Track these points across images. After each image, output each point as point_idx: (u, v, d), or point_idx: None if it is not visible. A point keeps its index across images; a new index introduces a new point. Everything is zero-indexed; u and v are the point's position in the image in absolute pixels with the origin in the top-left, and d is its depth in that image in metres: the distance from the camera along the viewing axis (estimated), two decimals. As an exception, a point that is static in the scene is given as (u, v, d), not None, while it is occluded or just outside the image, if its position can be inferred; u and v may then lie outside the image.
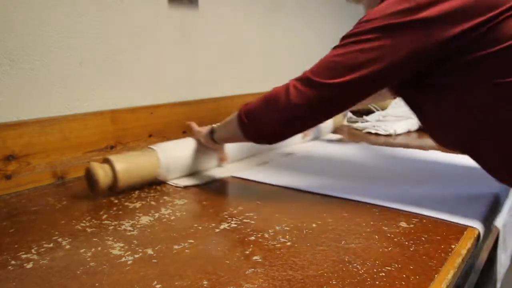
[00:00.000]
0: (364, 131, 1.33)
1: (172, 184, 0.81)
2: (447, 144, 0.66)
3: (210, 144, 0.82)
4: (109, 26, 0.92)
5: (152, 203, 0.71)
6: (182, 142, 0.85)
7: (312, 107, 0.61)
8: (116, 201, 0.72)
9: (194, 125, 0.88)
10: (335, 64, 0.59)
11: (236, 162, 0.94)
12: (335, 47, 0.60)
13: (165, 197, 0.73)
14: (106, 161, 0.74)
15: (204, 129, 0.83)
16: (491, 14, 0.53)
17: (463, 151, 0.65)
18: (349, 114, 1.50)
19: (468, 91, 0.57)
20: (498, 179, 0.64)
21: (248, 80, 1.35)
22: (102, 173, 0.71)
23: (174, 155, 0.81)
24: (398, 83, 0.63)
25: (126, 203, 0.71)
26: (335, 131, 1.30)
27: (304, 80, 0.61)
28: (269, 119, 0.64)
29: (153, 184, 0.81)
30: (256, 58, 1.38)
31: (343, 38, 0.60)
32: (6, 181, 0.76)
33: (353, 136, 1.28)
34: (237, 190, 0.77)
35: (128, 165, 0.74)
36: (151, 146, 0.81)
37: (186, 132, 1.09)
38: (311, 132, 1.10)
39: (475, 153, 0.63)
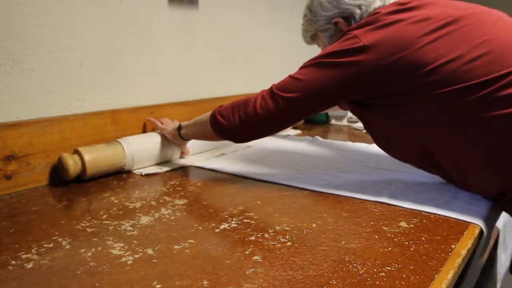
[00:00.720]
0: (363, 131, 1.33)
1: (136, 173, 0.89)
2: (397, 157, 0.76)
3: (176, 139, 0.93)
4: (109, 26, 0.92)
5: (152, 203, 0.71)
6: (146, 136, 0.94)
7: (270, 116, 0.72)
8: (116, 201, 0.72)
9: (158, 122, 0.96)
10: (292, 81, 0.71)
11: (197, 154, 1.03)
12: (300, 67, 0.72)
13: (165, 197, 0.73)
14: (76, 152, 0.82)
15: (170, 126, 0.93)
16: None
17: (413, 164, 0.74)
18: (349, 114, 1.50)
19: (406, 111, 0.66)
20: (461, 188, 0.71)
21: (248, 80, 1.35)
22: (72, 162, 0.79)
23: (138, 147, 0.90)
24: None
25: (126, 203, 0.71)
26: (295, 127, 1.39)
27: (269, 91, 0.73)
28: (235, 121, 0.75)
29: (153, 184, 0.81)
30: (256, 58, 1.38)
31: (307, 61, 0.72)
32: (6, 181, 0.76)
33: (353, 136, 1.28)
34: (237, 190, 0.77)
35: (96, 155, 0.82)
36: (118, 139, 0.89)
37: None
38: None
39: (424, 166, 0.72)
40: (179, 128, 0.90)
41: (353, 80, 0.66)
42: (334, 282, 0.45)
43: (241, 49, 1.32)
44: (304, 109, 0.72)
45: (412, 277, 0.45)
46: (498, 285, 0.99)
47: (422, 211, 0.64)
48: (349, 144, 1.14)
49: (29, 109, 0.81)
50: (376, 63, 0.63)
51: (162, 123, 0.96)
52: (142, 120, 1.00)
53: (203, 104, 1.16)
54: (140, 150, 0.90)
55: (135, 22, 0.98)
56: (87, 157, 0.81)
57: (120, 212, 0.67)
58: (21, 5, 0.77)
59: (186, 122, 0.90)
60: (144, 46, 1.01)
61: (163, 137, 0.94)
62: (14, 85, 0.78)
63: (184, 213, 0.66)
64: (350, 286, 0.44)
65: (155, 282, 0.46)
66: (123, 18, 0.95)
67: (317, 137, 1.21)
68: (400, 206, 0.66)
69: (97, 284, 0.46)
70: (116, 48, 0.95)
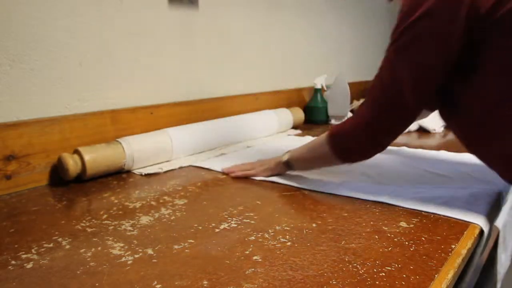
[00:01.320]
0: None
1: (136, 173, 0.89)
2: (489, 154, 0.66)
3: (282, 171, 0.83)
4: (109, 26, 0.92)
5: (152, 203, 0.71)
6: (147, 135, 0.93)
7: None
8: (116, 201, 0.72)
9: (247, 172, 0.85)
10: None
11: (197, 154, 1.03)
12: None
13: (165, 197, 0.73)
14: (76, 152, 0.82)
15: (273, 162, 0.83)
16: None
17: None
18: (349, 114, 1.50)
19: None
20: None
21: (248, 80, 1.35)
22: (72, 162, 0.79)
23: (138, 147, 0.89)
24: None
25: (126, 203, 0.71)
26: (295, 127, 1.39)
27: None
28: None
29: (154, 184, 0.81)
30: (256, 58, 1.38)
31: None
32: (6, 181, 0.76)
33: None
34: (237, 190, 0.77)
35: (95, 155, 0.82)
36: (118, 139, 0.88)
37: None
38: None
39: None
40: (288, 164, 0.81)
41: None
42: (334, 282, 0.45)
43: (241, 49, 1.32)
44: None
45: (412, 277, 0.45)
46: (498, 285, 0.98)
47: (422, 211, 0.64)
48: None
49: (29, 109, 0.81)
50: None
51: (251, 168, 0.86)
52: (142, 120, 1.00)
53: (203, 104, 1.16)
54: (140, 150, 0.89)
55: (135, 22, 0.98)
56: (87, 157, 0.81)
57: (120, 212, 0.67)
58: (21, 5, 0.77)
59: (292, 155, 0.80)
60: (144, 46, 1.01)
61: (163, 137, 0.94)
62: (14, 85, 0.78)
63: (184, 213, 0.66)
64: (350, 286, 0.44)
65: (155, 282, 0.46)
66: (123, 18, 0.95)
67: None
68: (400, 206, 0.66)
69: (97, 284, 0.46)
70: (116, 48, 0.95)
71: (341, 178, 0.80)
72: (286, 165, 0.81)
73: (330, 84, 1.50)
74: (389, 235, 0.56)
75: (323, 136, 0.74)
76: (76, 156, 0.81)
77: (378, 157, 0.96)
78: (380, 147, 0.70)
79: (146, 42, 1.01)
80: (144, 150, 0.90)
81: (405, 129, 0.68)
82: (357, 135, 0.69)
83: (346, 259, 0.50)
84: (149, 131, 1.00)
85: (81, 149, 0.82)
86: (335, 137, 0.72)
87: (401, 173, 0.84)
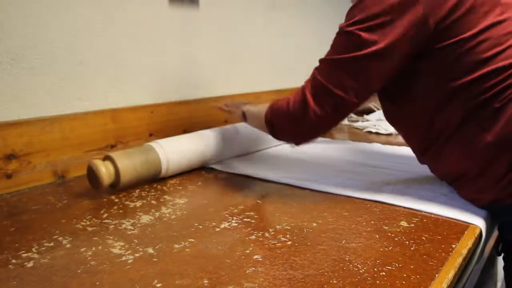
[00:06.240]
0: (364, 130, 1.33)
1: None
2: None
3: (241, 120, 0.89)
4: (110, 26, 0.92)
5: (153, 202, 0.71)
6: (180, 139, 0.88)
7: None
8: (117, 200, 0.72)
9: (223, 108, 0.94)
10: None
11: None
12: None
13: (165, 196, 0.73)
14: (108, 158, 0.74)
15: (237, 111, 0.89)
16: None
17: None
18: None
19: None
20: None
21: (248, 80, 1.35)
22: (104, 170, 0.72)
23: (173, 151, 0.82)
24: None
25: (127, 202, 0.71)
26: None
27: None
28: None
29: (154, 183, 0.81)
30: (256, 58, 1.38)
31: None
32: (7, 180, 0.76)
33: (354, 135, 1.28)
34: (238, 189, 0.77)
35: (129, 162, 0.75)
36: (151, 143, 0.82)
37: (186, 131, 1.09)
38: None
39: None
40: (244, 116, 0.87)
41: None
42: (334, 281, 0.45)
43: (241, 49, 1.31)
44: None
45: (413, 277, 0.45)
46: (498, 285, 0.99)
47: (423, 211, 0.64)
48: (350, 143, 1.14)
49: (30, 108, 0.81)
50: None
51: (228, 109, 0.94)
52: (142, 119, 1.00)
53: (203, 104, 1.16)
54: (175, 153, 0.82)
55: (135, 21, 0.98)
56: (120, 164, 0.73)
57: (121, 211, 0.67)
58: (22, 5, 0.77)
59: (249, 108, 0.86)
60: (144, 45, 1.01)
61: (199, 140, 0.88)
62: (14, 84, 0.78)
63: (185, 212, 0.66)
64: (351, 285, 0.44)
65: (156, 281, 0.46)
66: (123, 17, 0.95)
67: (348, 141, 1.18)
68: (401, 206, 0.66)
69: (97, 283, 0.46)
70: (116, 47, 0.95)
71: (341, 178, 0.80)
72: (243, 116, 0.86)
73: (331, 84, 1.50)
74: (389, 234, 0.56)
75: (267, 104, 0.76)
76: (109, 164, 0.73)
77: (377, 157, 0.97)
78: (315, 134, 0.73)
79: (146, 41, 1.01)
80: (180, 156, 0.83)
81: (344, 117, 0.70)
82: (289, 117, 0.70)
83: (347, 259, 0.50)
84: (149, 131, 1.00)
85: (115, 158, 0.74)
86: (271, 109, 0.74)
87: (401, 173, 0.84)
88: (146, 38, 1.01)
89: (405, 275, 0.46)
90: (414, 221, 0.60)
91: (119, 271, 0.48)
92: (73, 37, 0.86)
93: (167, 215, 0.65)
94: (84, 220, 0.63)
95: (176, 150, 0.83)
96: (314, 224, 0.60)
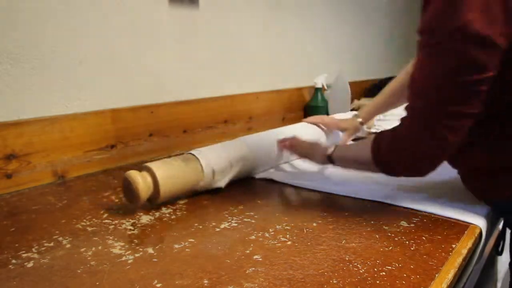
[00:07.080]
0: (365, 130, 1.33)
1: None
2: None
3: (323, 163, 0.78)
4: (110, 26, 0.92)
5: (153, 202, 0.71)
6: (223, 147, 0.79)
7: None
8: (117, 200, 0.72)
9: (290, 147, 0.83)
10: None
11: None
12: None
13: (165, 196, 0.73)
14: (146, 169, 0.67)
15: (317, 153, 0.77)
16: None
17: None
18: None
19: None
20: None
21: (248, 80, 1.35)
22: (142, 182, 0.64)
23: (217, 162, 0.74)
24: None
25: (127, 202, 0.71)
26: None
27: None
28: None
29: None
30: (257, 58, 1.38)
31: None
32: (7, 180, 0.76)
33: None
34: (238, 189, 0.77)
35: (169, 173, 0.68)
36: (192, 152, 0.74)
37: (186, 131, 1.09)
38: None
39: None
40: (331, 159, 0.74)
41: None
42: (334, 281, 0.45)
43: (241, 48, 1.31)
44: None
45: (413, 277, 0.45)
46: (498, 285, 0.99)
47: (423, 211, 0.64)
48: (350, 143, 1.14)
49: (30, 108, 0.81)
50: None
51: (295, 147, 0.83)
52: (142, 119, 0.99)
53: (203, 104, 1.16)
54: (218, 164, 0.75)
55: (135, 21, 0.98)
56: (159, 175, 0.66)
57: (121, 211, 0.67)
58: (22, 4, 0.77)
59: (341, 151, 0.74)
60: (144, 45, 1.00)
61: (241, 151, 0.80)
62: (14, 83, 0.78)
63: (185, 212, 0.66)
64: (351, 285, 0.44)
65: (156, 281, 0.46)
66: (123, 17, 0.95)
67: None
68: (401, 206, 0.66)
69: (97, 283, 0.46)
70: (116, 47, 0.95)
71: (341, 178, 0.80)
72: (329, 160, 0.74)
73: (331, 83, 1.50)
74: (389, 234, 0.56)
75: (370, 138, 0.66)
76: (149, 181, 0.66)
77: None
78: (433, 164, 0.60)
79: (146, 41, 1.01)
80: (222, 165, 0.75)
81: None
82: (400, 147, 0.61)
83: (347, 258, 0.50)
84: (149, 131, 1.00)
85: (151, 165, 0.67)
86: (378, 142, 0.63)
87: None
88: (146, 38, 1.01)
89: (405, 275, 0.46)
90: (414, 221, 0.60)
91: (119, 271, 0.48)
92: (73, 37, 0.86)
93: (167, 215, 0.65)
94: (84, 220, 0.63)
95: (219, 162, 0.75)
96: (314, 224, 0.60)
